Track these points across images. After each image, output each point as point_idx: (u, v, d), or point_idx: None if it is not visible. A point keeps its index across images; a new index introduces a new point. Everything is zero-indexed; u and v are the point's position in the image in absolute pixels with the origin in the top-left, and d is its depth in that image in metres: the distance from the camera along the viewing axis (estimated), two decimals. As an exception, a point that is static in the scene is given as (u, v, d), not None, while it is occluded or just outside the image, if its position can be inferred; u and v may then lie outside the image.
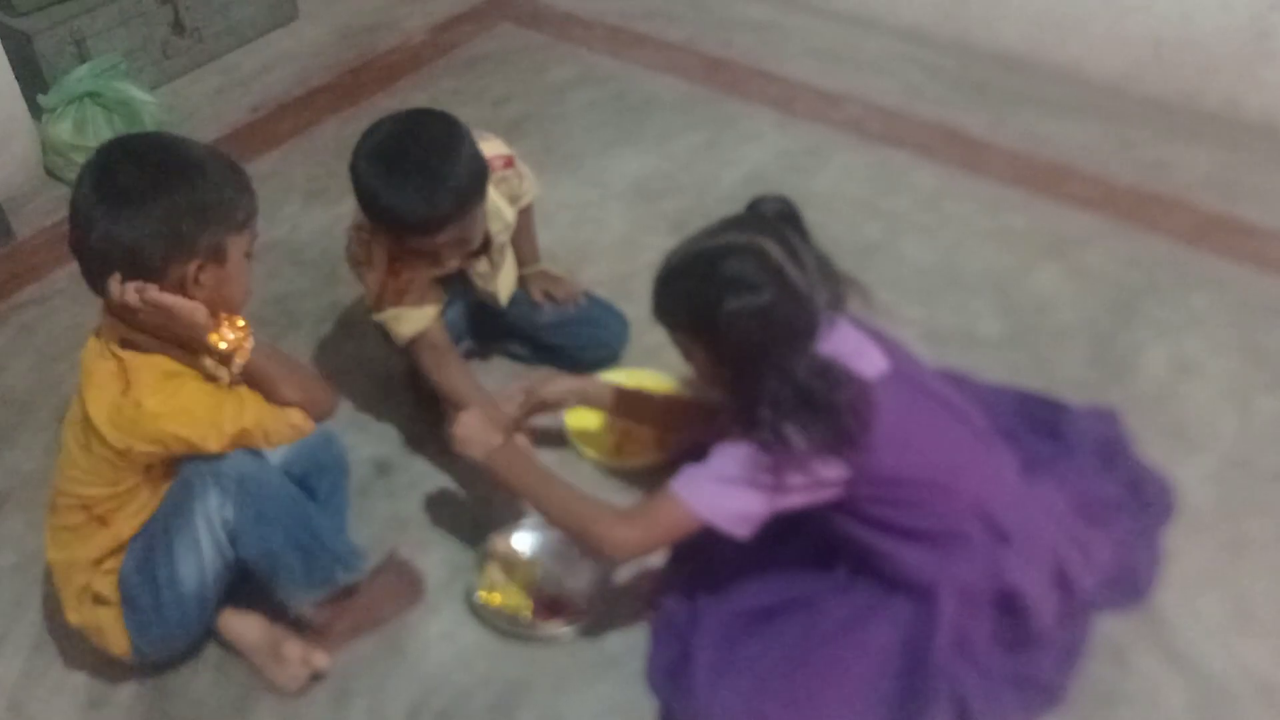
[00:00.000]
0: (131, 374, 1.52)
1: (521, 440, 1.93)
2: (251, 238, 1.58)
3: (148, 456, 1.55)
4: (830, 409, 1.48)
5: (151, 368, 1.53)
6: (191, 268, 1.49)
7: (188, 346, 1.55)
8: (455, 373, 1.97)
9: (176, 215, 1.46)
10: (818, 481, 1.54)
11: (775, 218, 1.57)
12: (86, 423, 1.53)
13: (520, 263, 2.19)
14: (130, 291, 1.47)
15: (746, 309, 1.46)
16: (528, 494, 1.71)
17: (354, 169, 1.77)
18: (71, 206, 1.49)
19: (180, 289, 1.50)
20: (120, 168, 1.48)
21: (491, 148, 1.96)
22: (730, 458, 1.54)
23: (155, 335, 1.53)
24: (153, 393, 1.51)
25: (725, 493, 1.54)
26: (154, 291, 1.47)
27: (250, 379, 1.59)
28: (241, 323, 1.58)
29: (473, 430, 1.75)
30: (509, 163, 2.01)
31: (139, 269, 1.47)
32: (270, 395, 1.61)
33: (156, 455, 1.55)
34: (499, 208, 1.98)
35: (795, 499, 1.55)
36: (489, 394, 1.97)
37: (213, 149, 1.57)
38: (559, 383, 1.97)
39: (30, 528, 1.95)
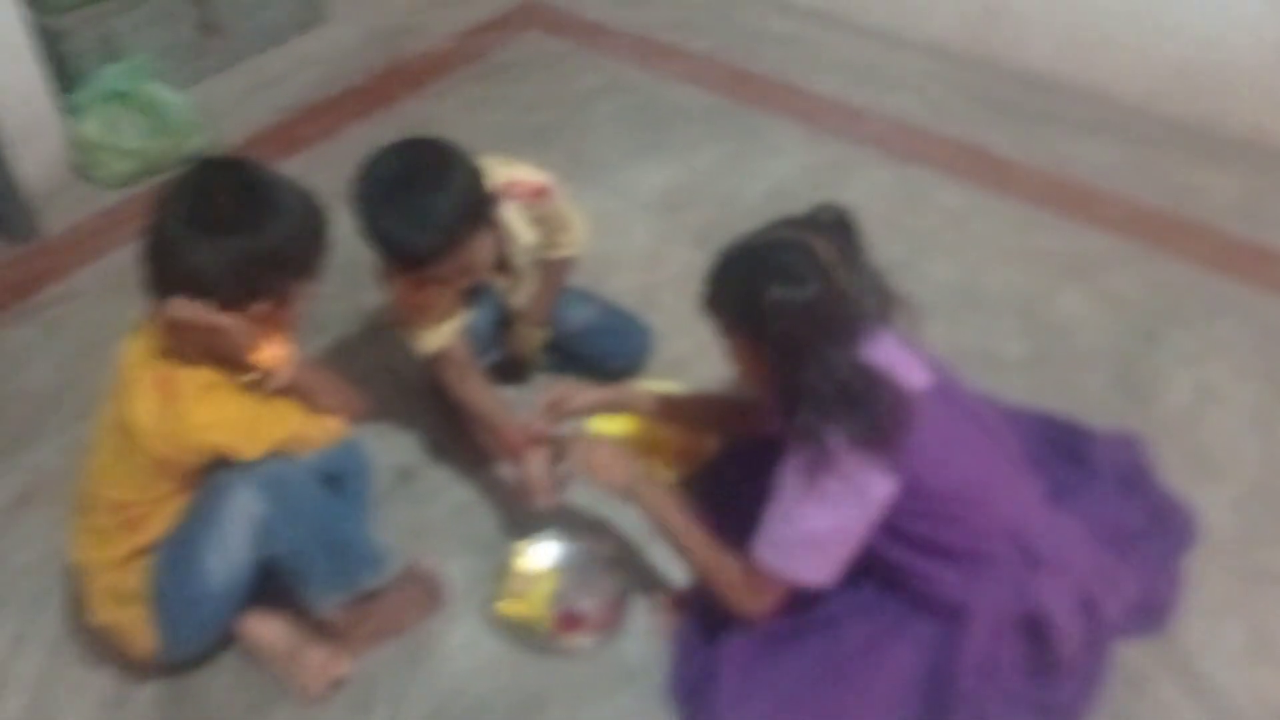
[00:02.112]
0: (173, 384, 1.54)
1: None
2: (317, 282, 1.62)
3: (186, 465, 1.57)
4: (869, 407, 1.49)
5: (193, 378, 1.54)
6: (256, 308, 1.54)
7: (229, 362, 1.57)
8: (476, 388, 1.97)
9: (253, 258, 1.50)
10: (875, 502, 1.54)
11: (831, 224, 1.58)
12: (125, 430, 1.54)
13: (525, 316, 2.16)
14: (192, 310, 1.50)
15: (790, 300, 1.47)
16: (671, 532, 1.70)
17: (353, 198, 1.77)
18: (157, 217, 1.51)
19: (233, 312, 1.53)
20: (217, 194, 1.50)
21: (520, 173, 1.96)
22: (796, 505, 1.54)
23: (198, 350, 1.55)
24: (196, 404, 1.53)
25: (809, 554, 1.56)
26: (209, 312, 1.50)
27: (292, 389, 1.62)
28: (282, 338, 1.60)
29: (609, 458, 1.75)
30: (539, 192, 1.98)
31: (202, 294, 1.50)
32: (310, 404, 1.65)
33: (195, 464, 1.58)
34: (516, 231, 1.97)
35: (866, 529, 1.56)
36: (509, 410, 1.98)
37: (303, 193, 1.59)
38: (587, 394, 1.97)
39: (52, 525, 1.96)
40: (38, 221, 2.73)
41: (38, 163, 2.80)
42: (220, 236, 1.48)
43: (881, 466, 1.51)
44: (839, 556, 1.57)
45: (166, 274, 1.52)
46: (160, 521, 1.64)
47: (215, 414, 1.55)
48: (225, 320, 1.51)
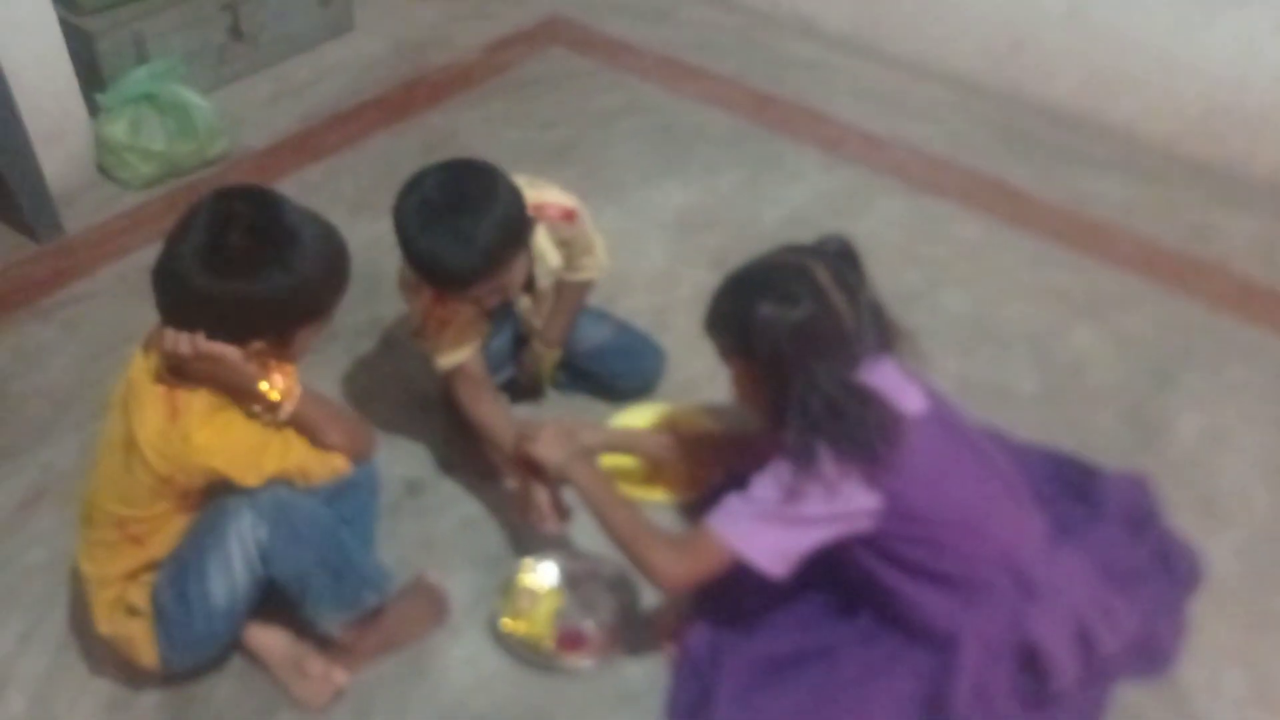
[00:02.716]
0: (179, 402, 1.53)
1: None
2: (326, 322, 1.61)
3: (187, 485, 1.58)
4: (859, 425, 1.50)
5: (200, 398, 1.55)
6: (254, 345, 1.53)
7: (233, 391, 1.56)
8: (489, 406, 1.98)
9: (258, 303, 1.49)
10: (850, 512, 1.55)
11: (835, 253, 1.60)
12: (129, 444, 1.54)
13: (540, 335, 2.17)
14: (183, 342, 1.49)
15: (780, 318, 1.50)
16: (596, 505, 1.71)
17: (396, 216, 1.77)
18: (170, 245, 1.49)
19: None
20: (231, 233, 1.47)
21: (549, 196, 1.97)
22: (766, 490, 1.56)
23: (202, 380, 1.54)
24: (201, 426, 1.53)
25: (762, 530, 1.56)
26: (204, 342, 1.49)
27: (296, 424, 1.62)
28: (290, 370, 1.60)
29: (553, 436, 1.77)
30: (568, 215, 1.99)
31: (203, 328, 1.50)
32: (315, 440, 1.64)
33: (196, 484, 1.58)
34: (544, 252, 1.98)
35: (830, 531, 1.56)
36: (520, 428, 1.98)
37: (323, 234, 1.57)
38: (596, 432, 1.98)
39: (63, 525, 1.97)
40: (61, 219, 2.75)
41: (64, 161, 2.83)
42: (228, 279, 1.47)
43: (866, 482, 1.52)
44: (790, 547, 1.56)
45: (171, 302, 1.51)
46: (164, 538, 1.65)
47: (218, 439, 1.54)
48: (222, 349, 1.50)
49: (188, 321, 1.50)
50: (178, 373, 1.53)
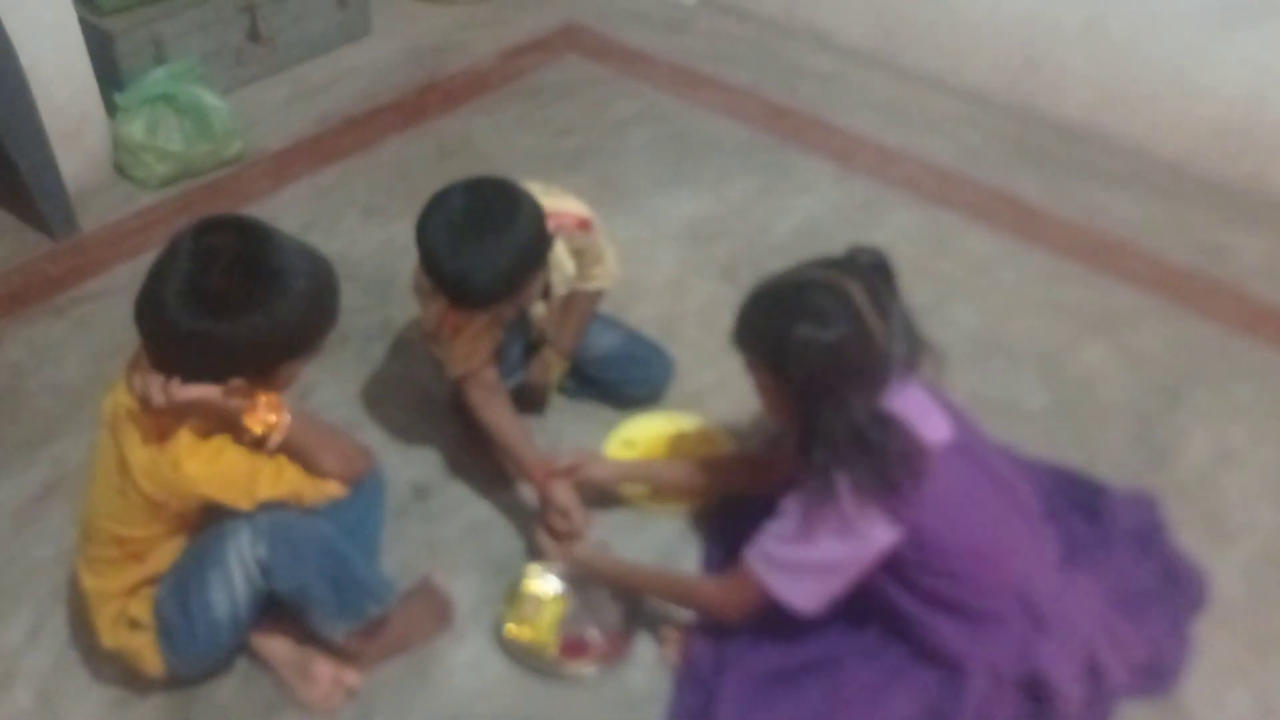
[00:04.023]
0: (165, 427, 1.51)
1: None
2: (312, 356, 1.58)
3: (182, 509, 1.58)
4: (881, 456, 1.50)
5: (185, 425, 1.52)
6: (235, 382, 1.49)
7: (221, 424, 1.55)
8: (500, 413, 1.99)
9: (236, 344, 1.44)
10: (873, 552, 1.56)
11: (868, 267, 1.59)
12: (124, 468, 1.53)
13: (551, 343, 2.17)
14: (156, 392, 1.46)
15: (815, 340, 1.49)
16: (637, 588, 1.87)
17: (419, 233, 1.77)
18: (153, 277, 1.46)
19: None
20: (213, 269, 1.42)
21: (567, 205, 1.97)
22: (791, 531, 1.59)
23: (184, 415, 1.52)
24: (191, 454, 1.52)
25: (791, 578, 1.61)
26: (179, 389, 1.46)
27: (287, 452, 1.60)
28: (276, 400, 1.57)
29: (550, 544, 1.92)
30: (583, 224, 1.99)
31: (184, 361, 1.47)
32: (309, 466, 1.63)
33: (190, 508, 1.58)
34: (562, 261, 1.99)
35: (857, 570, 1.59)
36: (531, 436, 2.00)
37: (312, 269, 1.51)
38: (608, 466, 2.03)
39: (73, 521, 1.96)
40: (77, 217, 2.77)
41: (81, 160, 2.85)
42: (207, 320, 1.42)
43: (885, 516, 1.52)
44: (825, 590, 1.60)
45: (150, 335, 1.48)
46: (164, 554, 1.65)
47: (208, 468, 1.53)
48: (199, 393, 1.47)
49: (166, 354, 1.47)
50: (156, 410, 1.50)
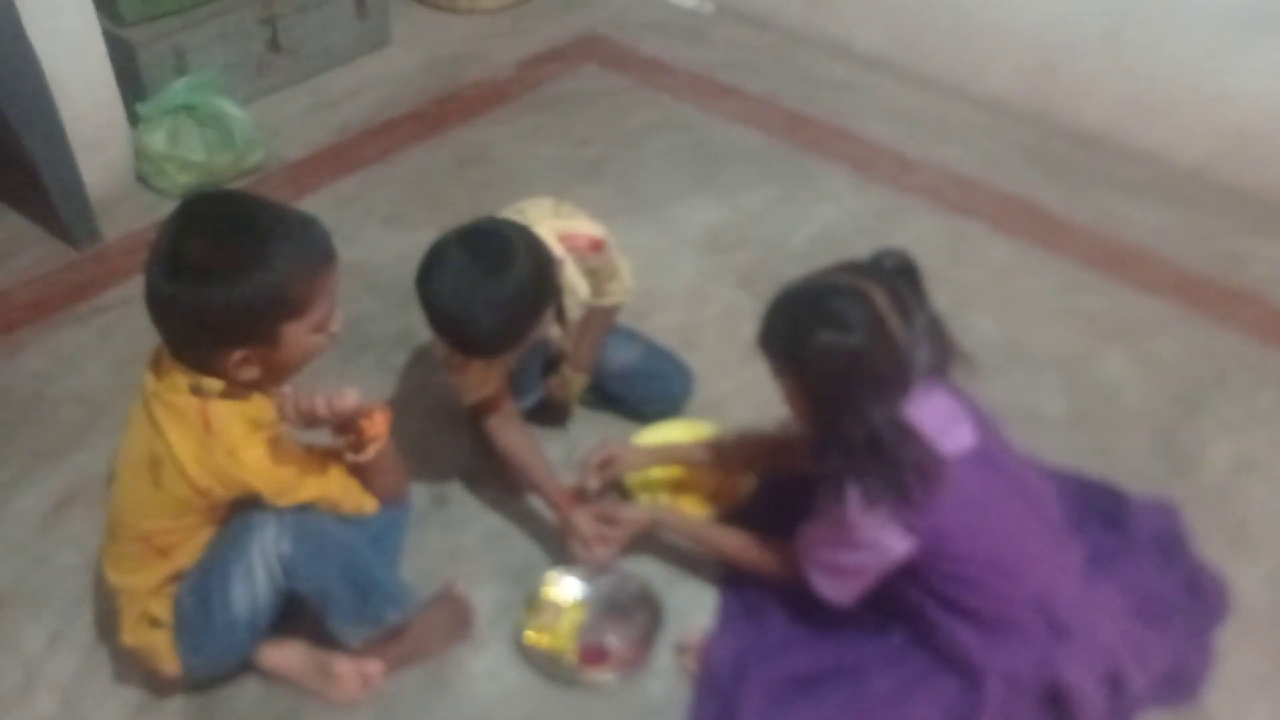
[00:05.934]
0: (214, 418, 1.52)
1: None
2: (327, 308, 1.56)
3: (223, 498, 1.59)
4: (894, 466, 1.50)
5: (235, 413, 1.54)
6: (235, 356, 1.50)
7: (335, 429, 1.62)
8: (516, 437, 1.98)
9: (217, 308, 1.44)
10: (890, 560, 1.58)
11: (893, 271, 1.59)
12: (155, 461, 1.54)
13: (569, 360, 2.16)
14: (321, 405, 1.53)
15: (836, 346, 1.49)
16: (703, 543, 1.91)
17: (418, 289, 1.75)
18: (148, 255, 1.49)
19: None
20: (189, 239, 1.45)
21: (578, 226, 1.96)
22: (820, 537, 1.64)
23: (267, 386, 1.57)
24: (246, 444, 1.54)
25: (826, 575, 1.68)
26: (340, 400, 1.55)
27: (365, 465, 1.65)
28: (390, 415, 1.64)
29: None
30: (595, 245, 1.97)
31: (184, 335, 1.50)
32: (366, 483, 1.69)
33: (226, 498, 1.59)
34: (575, 284, 1.97)
35: (879, 571, 1.62)
36: (546, 460, 2.00)
37: (289, 219, 1.50)
38: (638, 454, 2.04)
39: (95, 528, 1.97)
40: (99, 226, 2.79)
41: (104, 170, 2.88)
42: (187, 285, 1.43)
43: (898, 525, 1.52)
44: (857, 586, 1.66)
45: (153, 314, 1.49)
46: (190, 549, 1.66)
47: (266, 459, 1.56)
48: (354, 408, 1.56)
49: (172, 332, 1.50)
50: (203, 383, 1.53)
